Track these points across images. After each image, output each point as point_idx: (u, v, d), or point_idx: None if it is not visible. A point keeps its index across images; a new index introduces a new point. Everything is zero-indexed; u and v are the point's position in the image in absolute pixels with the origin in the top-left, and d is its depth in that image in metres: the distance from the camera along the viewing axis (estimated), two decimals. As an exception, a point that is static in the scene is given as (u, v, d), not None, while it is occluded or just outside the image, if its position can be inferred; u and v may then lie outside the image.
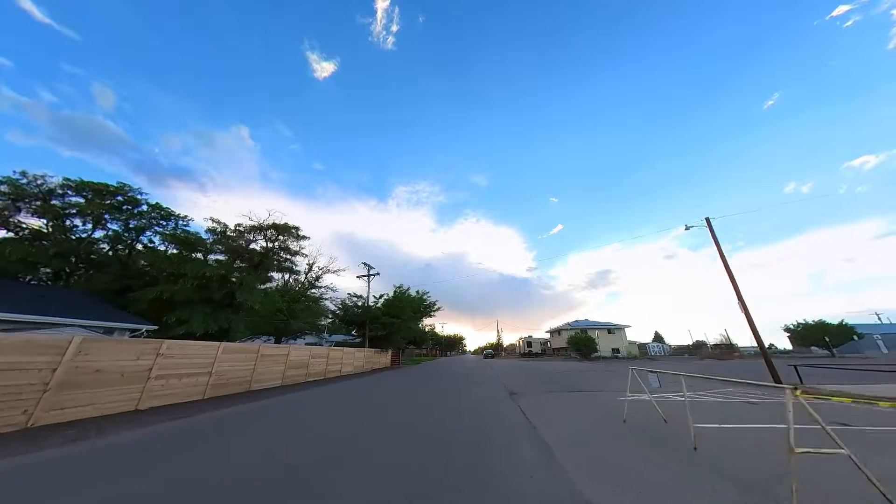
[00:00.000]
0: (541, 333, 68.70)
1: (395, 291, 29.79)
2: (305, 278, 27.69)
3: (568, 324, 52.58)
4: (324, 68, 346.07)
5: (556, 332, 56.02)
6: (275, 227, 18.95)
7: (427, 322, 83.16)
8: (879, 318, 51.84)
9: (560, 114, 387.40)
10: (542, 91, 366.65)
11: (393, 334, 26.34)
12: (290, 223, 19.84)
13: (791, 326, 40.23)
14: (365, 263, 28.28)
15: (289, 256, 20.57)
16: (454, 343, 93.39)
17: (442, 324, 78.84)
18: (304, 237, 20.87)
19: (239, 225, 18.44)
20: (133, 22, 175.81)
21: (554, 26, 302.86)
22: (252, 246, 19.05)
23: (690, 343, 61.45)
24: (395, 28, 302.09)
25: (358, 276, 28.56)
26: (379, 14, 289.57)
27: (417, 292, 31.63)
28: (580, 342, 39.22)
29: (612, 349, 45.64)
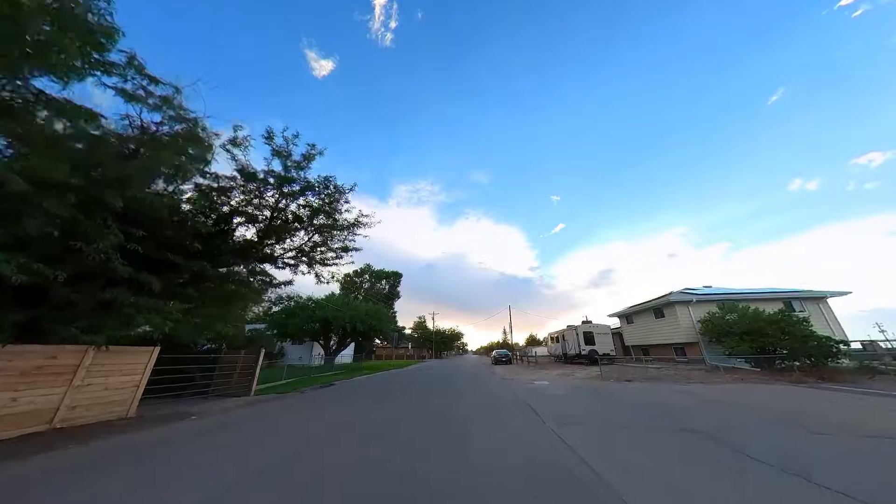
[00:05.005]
0: (588, 315, 37.18)
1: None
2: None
3: (683, 292, 20.85)
4: (322, 66, 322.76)
5: (647, 310, 22.79)
6: None
7: (423, 318, 60.73)
8: None
9: (560, 111, 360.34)
10: (542, 88, 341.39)
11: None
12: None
13: None
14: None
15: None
16: (450, 340, 69.66)
17: (433, 314, 58.64)
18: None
19: None
20: (130, 21, 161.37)
21: (555, 21, 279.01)
22: None
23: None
24: (393, 24, 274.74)
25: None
26: (377, 10, 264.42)
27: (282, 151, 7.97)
28: (782, 327, 12.45)
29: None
